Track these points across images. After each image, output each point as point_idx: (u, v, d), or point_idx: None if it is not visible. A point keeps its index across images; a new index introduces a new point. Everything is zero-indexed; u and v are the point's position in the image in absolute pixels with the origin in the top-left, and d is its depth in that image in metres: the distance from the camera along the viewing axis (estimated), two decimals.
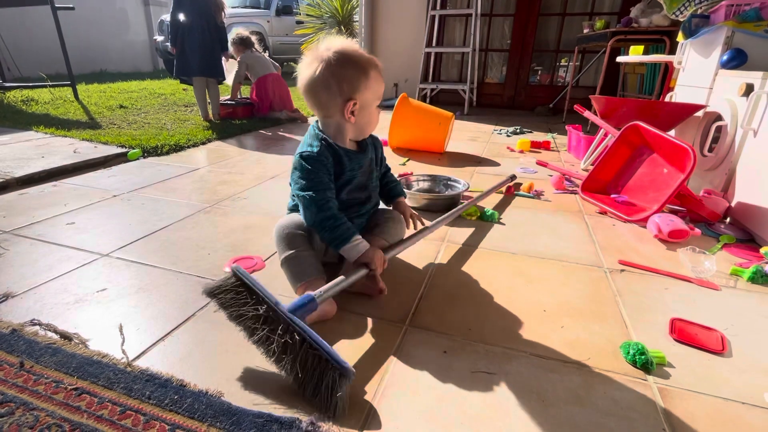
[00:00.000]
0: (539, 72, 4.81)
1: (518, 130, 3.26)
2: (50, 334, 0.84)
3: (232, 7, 8.03)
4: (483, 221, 1.48)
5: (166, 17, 7.47)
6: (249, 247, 1.26)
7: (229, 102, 3.47)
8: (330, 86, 0.92)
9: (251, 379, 0.74)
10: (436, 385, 0.74)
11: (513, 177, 1.85)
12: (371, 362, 0.79)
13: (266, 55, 3.65)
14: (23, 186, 1.76)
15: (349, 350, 0.82)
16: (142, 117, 3.39)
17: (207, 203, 1.61)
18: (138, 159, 2.24)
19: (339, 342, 0.84)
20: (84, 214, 1.48)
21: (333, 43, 0.94)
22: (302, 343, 0.70)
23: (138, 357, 0.79)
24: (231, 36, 3.41)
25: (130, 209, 1.54)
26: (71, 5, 3.88)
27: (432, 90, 4.76)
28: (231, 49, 3.44)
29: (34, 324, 0.87)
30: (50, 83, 4.07)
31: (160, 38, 7.44)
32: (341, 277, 0.89)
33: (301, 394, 0.70)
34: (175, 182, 1.86)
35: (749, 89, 1.42)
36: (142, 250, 1.22)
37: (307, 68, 0.94)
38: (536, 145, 2.68)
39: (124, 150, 2.29)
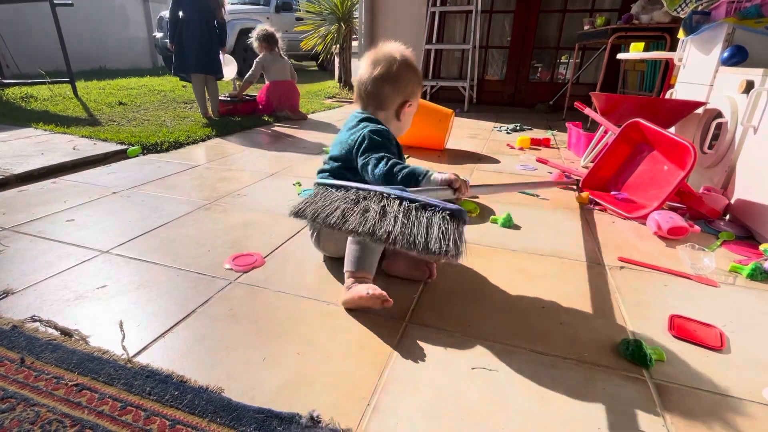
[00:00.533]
0: (539, 69, 4.80)
1: (518, 127, 3.26)
2: (51, 330, 0.85)
3: (232, 4, 8.00)
4: (495, 224, 1.46)
5: (166, 14, 7.42)
6: (249, 243, 1.26)
7: (229, 98, 3.45)
8: (396, 83, 1.03)
9: (251, 375, 0.74)
10: (437, 381, 0.74)
11: (577, 183, 1.79)
12: (371, 358, 0.79)
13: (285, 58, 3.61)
14: (23, 183, 1.76)
15: (349, 346, 0.82)
16: (142, 114, 3.38)
17: (207, 200, 1.61)
18: (137, 156, 2.23)
19: (340, 337, 0.85)
20: (84, 211, 1.48)
21: (399, 48, 1.05)
22: (401, 201, 0.74)
23: (138, 353, 0.79)
24: (255, 31, 3.41)
25: (130, 206, 1.54)
26: (70, 2, 3.87)
27: (432, 87, 4.75)
28: (255, 45, 3.42)
29: (35, 320, 0.87)
30: (49, 80, 4.05)
31: (159, 35, 7.41)
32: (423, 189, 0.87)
33: (415, 251, 0.70)
34: (175, 179, 1.86)
35: (750, 86, 1.42)
36: (142, 247, 1.22)
37: (376, 64, 1.03)
38: (536, 143, 2.68)
39: (123, 147, 2.29)
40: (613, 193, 1.70)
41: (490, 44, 4.79)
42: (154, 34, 7.92)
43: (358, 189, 0.79)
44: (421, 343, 0.84)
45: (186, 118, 3.25)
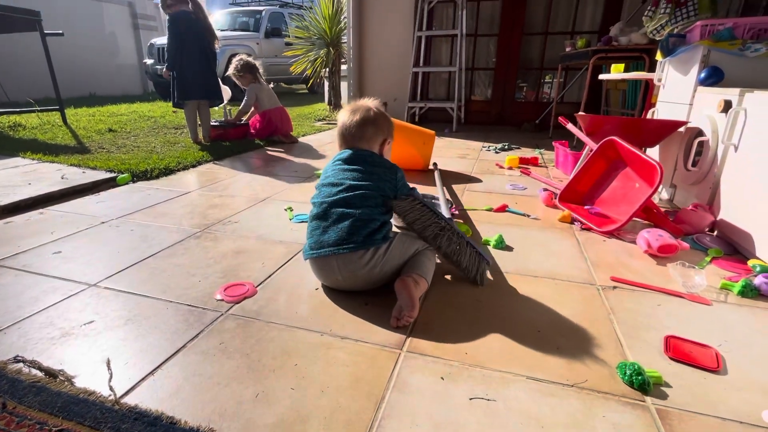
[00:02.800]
0: (525, 89, 4.92)
1: (506, 147, 3.31)
2: (34, 371, 0.82)
3: (222, 30, 8.14)
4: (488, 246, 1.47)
5: (156, 41, 7.54)
6: (240, 273, 1.24)
7: (219, 123, 3.47)
8: (378, 125, 1.24)
9: (244, 413, 0.72)
10: (434, 414, 0.72)
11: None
12: (367, 391, 0.77)
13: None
14: (9, 214, 1.73)
15: (344, 379, 0.81)
16: (132, 140, 3.37)
17: (197, 228, 1.60)
18: (127, 183, 2.22)
19: (334, 370, 0.83)
20: (71, 242, 1.45)
21: (373, 101, 1.28)
22: (467, 245, 1.16)
23: (126, 393, 0.76)
24: (234, 64, 3.38)
25: (119, 236, 1.52)
26: (60, 31, 3.90)
27: (421, 108, 4.83)
28: (237, 77, 3.39)
29: (18, 361, 0.85)
30: (38, 108, 4.04)
31: (150, 61, 7.48)
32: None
33: (463, 274, 1.19)
34: (165, 207, 1.85)
35: (728, 105, 1.47)
36: (131, 279, 1.20)
37: (355, 112, 1.23)
38: (524, 161, 2.72)
39: (113, 175, 2.27)
40: (587, 207, 1.74)
41: (476, 66, 4.92)
42: (144, 60, 7.99)
43: (447, 221, 1.17)
44: (418, 374, 0.82)
45: (176, 144, 3.24)
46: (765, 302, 1.10)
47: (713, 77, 1.65)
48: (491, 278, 1.23)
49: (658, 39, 2.18)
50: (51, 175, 2.23)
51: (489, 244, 1.45)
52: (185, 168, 2.56)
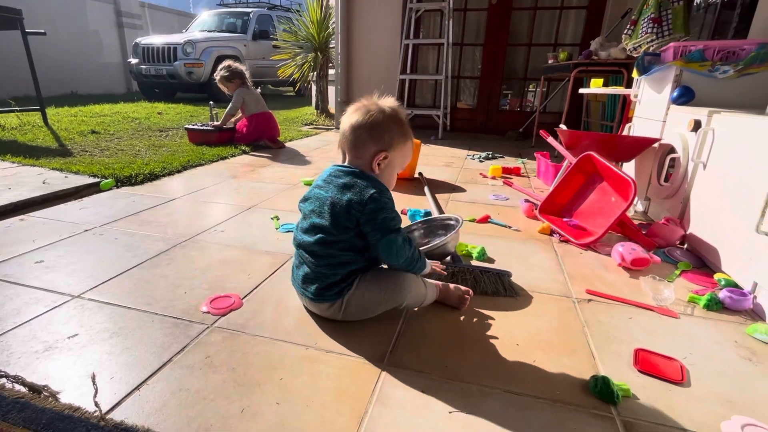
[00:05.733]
0: (509, 97, 5.02)
1: (490, 156, 3.37)
2: (18, 387, 0.82)
3: (209, 31, 8.08)
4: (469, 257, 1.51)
5: (141, 40, 7.44)
6: (226, 284, 1.25)
7: (201, 128, 3.45)
8: (375, 132, 1.00)
9: (230, 429, 0.74)
10: (416, 427, 0.75)
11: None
12: (351, 405, 0.80)
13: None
14: None
15: (328, 393, 0.83)
16: (116, 143, 3.33)
17: (183, 237, 1.60)
18: (111, 189, 2.20)
19: (319, 384, 0.85)
20: (53, 251, 1.44)
21: (390, 101, 1.05)
22: (481, 273, 1.26)
23: (112, 409, 0.77)
24: (220, 71, 3.37)
25: (103, 245, 1.51)
26: (42, 31, 3.82)
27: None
28: (223, 83, 3.39)
29: (1, 376, 0.84)
30: (18, 108, 3.95)
31: (134, 61, 7.38)
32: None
33: (491, 294, 1.23)
34: (150, 214, 1.84)
35: (697, 125, 1.54)
36: (116, 290, 1.20)
37: (359, 111, 1.02)
38: (507, 171, 2.78)
39: (96, 180, 2.24)
40: (565, 219, 1.80)
41: (462, 74, 4.99)
42: (129, 60, 7.86)
43: (452, 265, 1.29)
44: (399, 388, 0.85)
45: (161, 148, 3.22)
46: (728, 315, 1.16)
47: (684, 96, 1.73)
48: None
49: (635, 56, 2.27)
50: (32, 180, 2.20)
51: (472, 257, 1.49)
52: (170, 173, 2.55)
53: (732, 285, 1.26)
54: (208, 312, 1.10)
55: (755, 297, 1.18)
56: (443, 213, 1.84)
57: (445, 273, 1.24)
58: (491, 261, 1.47)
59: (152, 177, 2.43)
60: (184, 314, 1.09)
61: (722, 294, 1.19)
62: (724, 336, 1.07)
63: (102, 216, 1.79)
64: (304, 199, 1.09)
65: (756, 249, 1.18)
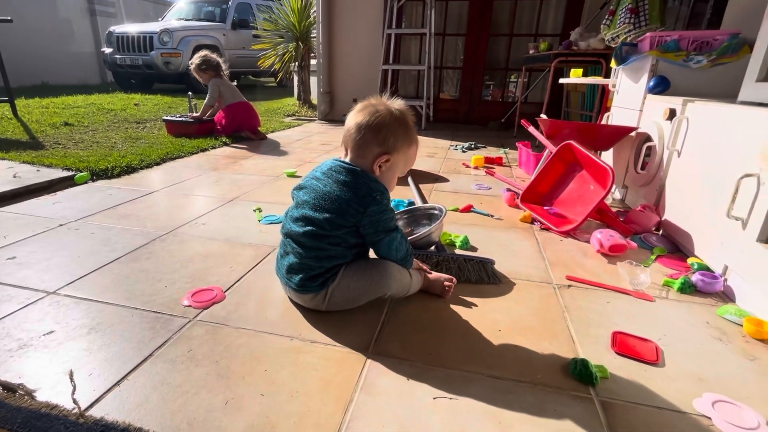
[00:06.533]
0: (491, 87, 5.04)
1: (473, 146, 3.39)
2: None
3: (186, 20, 7.85)
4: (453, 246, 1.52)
5: (115, 28, 7.18)
6: (208, 277, 1.24)
7: (180, 120, 3.37)
8: (380, 133, 0.99)
9: (213, 421, 0.73)
10: (400, 414, 0.76)
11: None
12: (336, 395, 0.80)
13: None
14: None
15: (313, 383, 0.83)
16: (90, 135, 3.23)
17: (163, 230, 1.56)
18: (86, 183, 2.13)
19: (303, 374, 0.85)
20: (26, 247, 1.39)
21: (399, 103, 1.05)
22: (464, 261, 1.28)
23: (91, 406, 0.76)
24: (195, 61, 3.31)
25: (78, 240, 1.47)
26: (9, 18, 3.65)
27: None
28: (198, 73, 3.32)
29: None
30: None
31: (108, 50, 7.13)
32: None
33: (475, 281, 1.25)
34: (128, 208, 1.80)
35: (672, 114, 1.58)
36: (93, 286, 1.17)
37: (366, 110, 1.00)
38: (489, 161, 2.81)
39: (70, 173, 2.17)
40: (546, 207, 1.84)
41: (445, 65, 4.99)
42: (102, 49, 7.59)
43: (439, 255, 1.32)
44: (384, 376, 0.86)
45: (139, 140, 3.14)
46: (701, 298, 1.20)
47: (660, 86, 1.77)
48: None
49: (613, 46, 2.30)
50: (2, 174, 2.11)
51: (455, 245, 1.50)
52: (149, 166, 2.49)
53: (704, 268, 1.30)
54: (190, 305, 1.08)
55: (726, 280, 1.23)
56: (427, 203, 1.85)
57: (426, 267, 1.23)
58: (474, 249, 1.48)
59: (129, 170, 2.37)
60: (165, 308, 1.07)
61: (695, 277, 1.24)
62: (697, 317, 1.11)
63: (77, 210, 1.74)
64: (299, 188, 1.08)
65: (726, 233, 1.22)
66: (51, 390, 0.79)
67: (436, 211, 1.49)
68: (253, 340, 0.96)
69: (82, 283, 1.18)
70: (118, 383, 0.82)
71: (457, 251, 1.45)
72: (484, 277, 1.26)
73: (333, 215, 0.98)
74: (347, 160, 1.05)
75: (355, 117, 1.01)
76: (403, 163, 1.07)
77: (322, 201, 0.99)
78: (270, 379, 0.83)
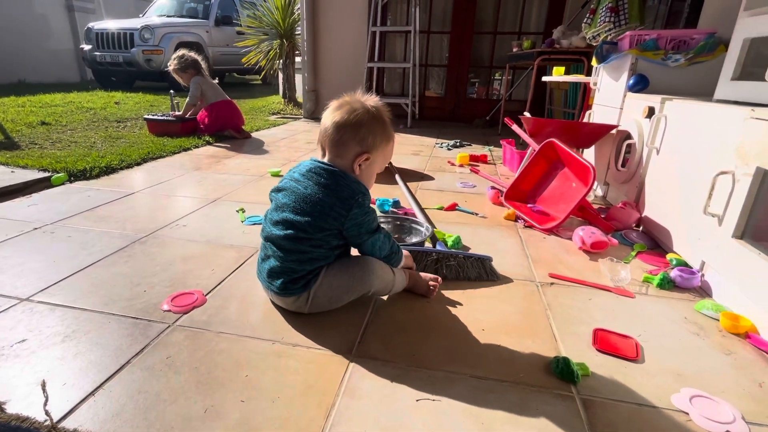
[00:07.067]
0: (476, 85, 5.06)
1: (458, 144, 3.40)
2: None
3: (169, 16, 7.69)
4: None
5: (94, 25, 7.00)
6: (189, 280, 1.21)
7: (162, 119, 3.31)
8: (358, 131, 0.98)
9: (191, 430, 0.72)
10: (383, 418, 0.76)
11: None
12: (318, 400, 0.79)
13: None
14: None
15: (295, 388, 0.82)
16: (68, 135, 3.15)
17: (142, 232, 1.53)
18: (63, 184, 2.07)
19: (285, 379, 0.84)
20: None
21: (374, 100, 1.03)
22: (464, 259, 1.26)
23: (64, 417, 0.74)
24: (174, 61, 3.24)
25: (55, 243, 1.43)
26: None
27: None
28: (178, 73, 3.26)
29: None
30: None
31: (87, 47, 6.95)
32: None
33: (474, 279, 1.26)
34: (107, 209, 1.75)
35: (651, 111, 1.60)
36: (69, 291, 1.14)
37: (343, 108, 0.99)
38: (474, 159, 2.82)
39: (46, 174, 2.11)
40: (529, 205, 1.85)
41: (430, 62, 4.99)
42: (81, 46, 7.39)
43: (436, 252, 1.29)
44: (367, 379, 0.85)
45: (119, 139, 3.07)
46: (679, 293, 1.23)
47: (640, 84, 1.79)
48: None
49: (594, 45, 2.32)
50: None
51: (447, 245, 1.50)
52: (129, 166, 2.43)
53: (683, 264, 1.33)
54: (170, 310, 1.06)
55: (703, 275, 1.25)
56: (419, 205, 1.82)
57: (413, 265, 1.22)
58: (466, 249, 1.49)
59: (109, 170, 2.31)
60: (144, 314, 1.05)
61: (673, 273, 1.26)
62: (676, 313, 1.13)
63: (53, 213, 1.69)
64: (278, 190, 1.06)
65: (703, 229, 1.25)
66: (22, 401, 0.77)
67: (422, 229, 1.49)
68: (234, 344, 0.94)
69: (57, 289, 1.15)
70: (93, 393, 0.79)
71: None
72: (483, 275, 1.26)
73: (314, 218, 0.97)
74: (325, 160, 1.03)
75: (331, 116, 0.99)
76: (382, 160, 1.06)
77: (303, 204, 0.98)
78: (251, 385, 0.82)
